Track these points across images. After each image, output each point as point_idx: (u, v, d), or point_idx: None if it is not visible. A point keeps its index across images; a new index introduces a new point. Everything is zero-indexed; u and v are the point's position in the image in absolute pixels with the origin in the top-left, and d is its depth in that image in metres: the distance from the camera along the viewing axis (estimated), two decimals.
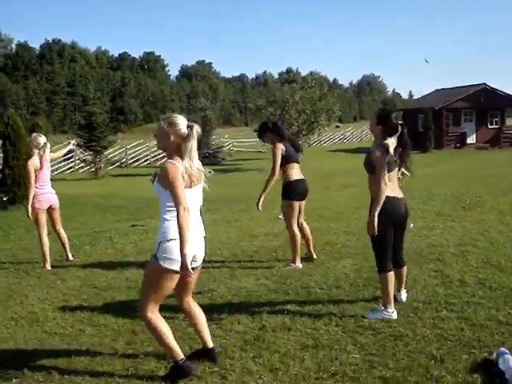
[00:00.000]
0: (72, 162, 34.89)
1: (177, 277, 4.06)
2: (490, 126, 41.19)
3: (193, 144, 4.15)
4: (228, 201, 15.57)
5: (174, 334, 4.32)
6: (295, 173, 7.54)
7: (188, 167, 4.10)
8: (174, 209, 3.95)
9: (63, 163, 35.29)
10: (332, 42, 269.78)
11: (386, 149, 5.24)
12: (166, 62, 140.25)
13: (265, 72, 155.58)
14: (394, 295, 5.65)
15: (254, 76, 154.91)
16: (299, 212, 7.68)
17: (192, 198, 4.14)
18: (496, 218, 10.41)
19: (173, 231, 3.97)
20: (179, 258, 3.87)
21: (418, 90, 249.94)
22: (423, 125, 38.21)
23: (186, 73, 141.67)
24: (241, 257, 8.21)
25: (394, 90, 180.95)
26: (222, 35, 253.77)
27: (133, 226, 11.47)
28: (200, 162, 4.25)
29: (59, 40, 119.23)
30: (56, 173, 33.01)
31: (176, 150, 4.16)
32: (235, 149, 45.98)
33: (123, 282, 7.14)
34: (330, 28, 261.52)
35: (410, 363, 4.30)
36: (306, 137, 31.30)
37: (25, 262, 8.59)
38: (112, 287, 6.91)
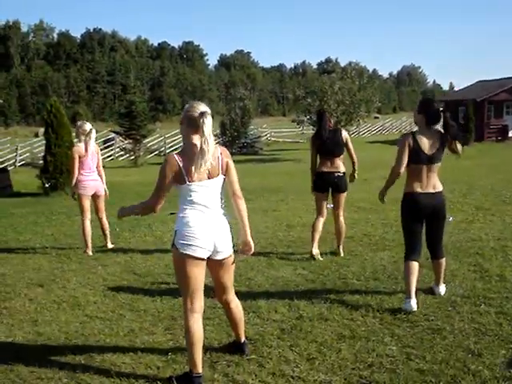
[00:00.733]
0: (112, 150, 35.38)
1: (196, 263, 4.06)
2: None
3: (203, 134, 3.91)
4: (265, 190, 15.60)
5: (212, 320, 4.38)
6: (322, 165, 7.59)
7: (198, 160, 3.90)
8: (186, 199, 4.09)
9: (103, 151, 35.86)
10: (372, 32, 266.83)
11: (412, 139, 5.35)
12: (204, 52, 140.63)
13: (303, 62, 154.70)
14: (431, 288, 5.75)
15: (292, 66, 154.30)
16: (335, 205, 7.67)
17: (204, 190, 4.07)
18: None
19: (186, 220, 4.07)
20: (196, 244, 3.98)
21: (459, 81, 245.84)
22: (464, 117, 37.60)
23: (224, 62, 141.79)
24: (278, 246, 8.26)
25: (434, 82, 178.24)
26: (261, 24, 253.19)
27: (171, 213, 11.51)
28: (223, 156, 4.12)
29: (100, 29, 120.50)
30: None
31: (186, 137, 4.11)
32: (273, 139, 45.99)
33: (162, 268, 7.26)
34: (370, 18, 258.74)
35: (447, 356, 4.29)
36: (344, 128, 31.11)
37: (67, 247, 8.79)
38: (151, 273, 7.04)
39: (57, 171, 16.53)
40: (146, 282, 6.64)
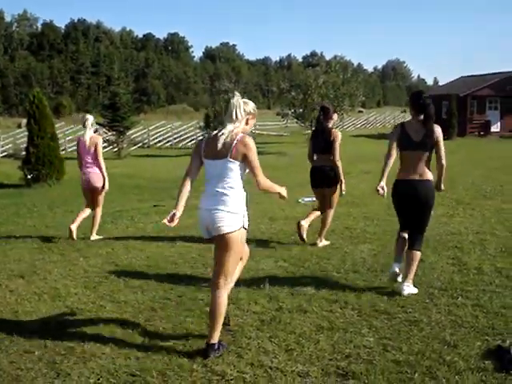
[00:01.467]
0: None
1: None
2: None
3: (230, 114, 4.35)
4: (248, 183, 15.60)
5: (193, 311, 4.39)
6: (314, 161, 7.91)
7: (212, 138, 4.37)
8: None
9: None
10: (357, 26, 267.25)
11: (400, 127, 5.81)
12: (189, 44, 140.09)
13: (289, 55, 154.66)
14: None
15: (277, 59, 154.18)
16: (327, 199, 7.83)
17: (208, 168, 4.41)
18: None
19: None
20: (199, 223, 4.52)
21: (443, 76, 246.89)
22: (447, 112, 37.84)
23: (209, 54, 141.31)
24: (260, 239, 8.29)
25: (418, 76, 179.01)
26: (246, 17, 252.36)
27: (154, 206, 11.60)
28: (235, 137, 4.30)
29: (84, 20, 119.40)
30: None
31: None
32: (257, 132, 45.96)
33: (144, 260, 7.28)
34: (356, 12, 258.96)
35: (423, 348, 4.36)
36: None
37: (48, 238, 8.76)
38: (133, 265, 7.05)
39: (39, 162, 16.46)
40: (128, 274, 6.65)
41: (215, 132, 4.42)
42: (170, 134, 39.87)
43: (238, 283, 6.11)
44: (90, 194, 8.83)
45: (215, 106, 32.41)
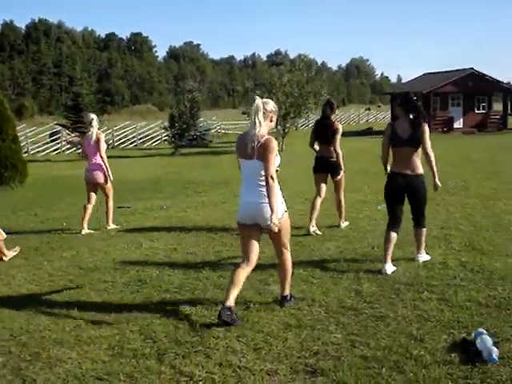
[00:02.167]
0: (58, 143, 34.74)
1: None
2: (477, 111, 41.39)
3: (252, 118, 4.98)
4: (215, 183, 15.60)
5: (159, 313, 4.35)
6: (318, 151, 8.67)
7: (244, 139, 5.04)
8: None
9: (49, 144, 35.14)
10: (321, 25, 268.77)
11: (390, 127, 6.48)
12: (153, 43, 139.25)
13: (253, 54, 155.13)
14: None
15: (242, 58, 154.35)
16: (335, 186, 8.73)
17: (244, 167, 5.09)
18: (480, 202, 10.54)
19: None
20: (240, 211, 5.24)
21: (407, 74, 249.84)
22: None
23: (173, 54, 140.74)
24: (227, 238, 8.27)
25: (382, 74, 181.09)
26: (210, 16, 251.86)
27: (119, 207, 11.48)
28: (265, 137, 4.94)
29: (45, 20, 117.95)
30: (42, 154, 32.91)
31: None
32: (223, 131, 45.91)
33: (109, 262, 7.20)
34: (319, 10, 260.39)
35: (390, 343, 4.40)
36: (293, 120, 31.20)
37: (11, 243, 8.59)
38: (98, 268, 6.97)
39: (1, 165, 16.14)
40: (93, 277, 6.57)
41: (242, 134, 5.20)
42: (134, 134, 39.53)
43: (205, 284, 6.12)
44: (94, 188, 9.45)
45: (180, 106, 32.20)
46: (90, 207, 9.39)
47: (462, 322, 4.75)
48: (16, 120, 15.89)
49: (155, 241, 8.31)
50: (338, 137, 8.36)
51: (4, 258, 7.57)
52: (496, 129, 39.77)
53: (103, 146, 9.35)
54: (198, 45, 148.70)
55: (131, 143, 38.76)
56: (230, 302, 4.87)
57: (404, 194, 6.41)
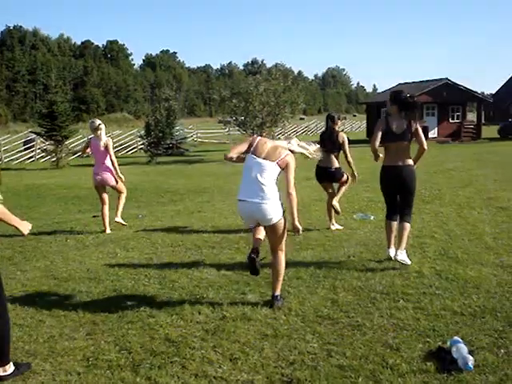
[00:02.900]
0: (32, 151, 34.36)
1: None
2: (452, 121, 41.87)
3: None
4: (190, 192, 15.55)
5: (135, 323, 4.29)
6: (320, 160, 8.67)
7: (260, 140, 5.58)
8: None
9: (23, 153, 34.75)
10: (297, 34, 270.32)
11: (385, 121, 6.80)
12: (129, 51, 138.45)
13: (230, 63, 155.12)
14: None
15: (218, 67, 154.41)
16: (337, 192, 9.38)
17: (250, 165, 5.44)
18: (454, 210, 10.64)
19: None
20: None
21: (382, 83, 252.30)
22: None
23: (149, 62, 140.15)
24: (203, 248, 8.23)
25: (358, 84, 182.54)
26: (186, 24, 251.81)
27: (94, 216, 11.39)
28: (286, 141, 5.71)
29: (20, 26, 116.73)
30: (15, 162, 32.54)
31: None
32: (199, 140, 45.84)
33: (84, 272, 7.11)
34: (297, 20, 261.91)
35: (366, 352, 4.40)
36: (269, 129, 31.28)
37: None
38: (73, 278, 6.88)
39: None
40: (67, 287, 6.48)
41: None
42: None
43: (180, 294, 6.08)
44: (104, 189, 9.98)
45: (156, 114, 32.10)
46: (105, 208, 9.88)
47: (438, 331, 4.78)
48: None
49: (130, 250, 8.25)
50: (347, 147, 9.13)
51: None
52: (470, 138, 40.28)
53: (112, 151, 9.89)
54: (175, 53, 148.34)
55: None
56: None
57: (397, 184, 6.85)
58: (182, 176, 21.10)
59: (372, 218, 9.97)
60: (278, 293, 5.56)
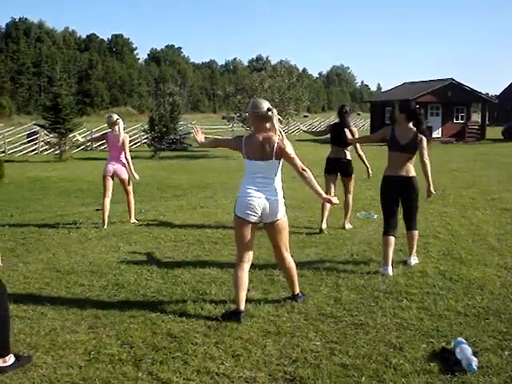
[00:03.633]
0: (36, 144, 34.35)
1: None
2: (456, 121, 41.79)
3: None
4: (193, 187, 15.53)
5: (137, 318, 4.28)
6: (332, 152, 9.18)
7: (251, 141, 5.19)
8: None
9: (27, 145, 34.74)
10: (302, 31, 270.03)
11: (391, 130, 6.73)
12: (134, 46, 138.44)
13: (235, 59, 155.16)
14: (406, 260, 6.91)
15: (223, 62, 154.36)
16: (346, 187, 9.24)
17: (252, 166, 5.22)
18: (458, 211, 10.62)
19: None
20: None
21: (387, 82, 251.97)
22: (390, 118, 38.51)
23: (154, 57, 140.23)
24: (205, 243, 8.22)
25: (362, 82, 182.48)
26: (192, 20, 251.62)
27: (97, 210, 11.36)
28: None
29: (26, 19, 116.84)
30: (19, 154, 32.54)
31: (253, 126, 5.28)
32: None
33: (86, 266, 7.10)
34: (301, 17, 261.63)
35: (369, 351, 4.38)
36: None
37: None
38: (75, 271, 6.86)
39: None
40: (69, 280, 6.46)
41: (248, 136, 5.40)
42: None
43: (183, 289, 6.05)
44: (121, 184, 10.07)
45: (160, 109, 32.04)
46: (107, 201, 9.84)
47: (442, 331, 4.76)
48: None
49: (133, 244, 8.23)
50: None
51: None
52: (474, 139, 40.20)
53: (128, 148, 10.02)
54: (180, 48, 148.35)
55: None
56: (243, 306, 5.15)
57: (398, 195, 6.72)
58: (185, 171, 21.08)
59: (375, 216, 9.93)
60: (297, 291, 5.59)
